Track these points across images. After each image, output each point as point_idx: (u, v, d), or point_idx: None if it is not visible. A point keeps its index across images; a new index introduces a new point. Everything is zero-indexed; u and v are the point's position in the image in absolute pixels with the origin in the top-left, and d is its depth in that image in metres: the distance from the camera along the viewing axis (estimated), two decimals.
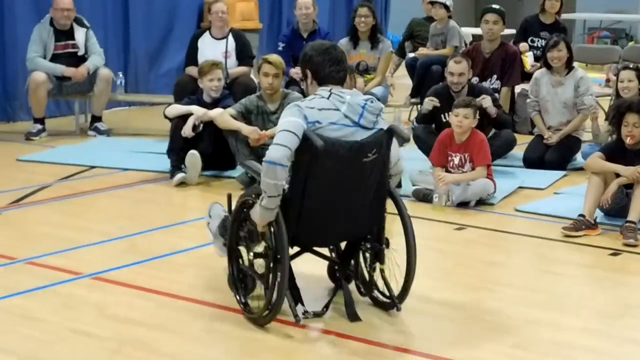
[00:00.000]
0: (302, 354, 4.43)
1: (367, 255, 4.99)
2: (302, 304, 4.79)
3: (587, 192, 6.49)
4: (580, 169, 7.84)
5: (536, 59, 10.02)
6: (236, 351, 4.48)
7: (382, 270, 4.93)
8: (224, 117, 7.64)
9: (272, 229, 4.62)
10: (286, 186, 4.62)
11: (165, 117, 8.00)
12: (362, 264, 5.06)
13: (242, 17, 11.46)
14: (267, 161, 4.51)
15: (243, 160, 7.56)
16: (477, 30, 10.78)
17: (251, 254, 4.83)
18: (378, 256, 4.94)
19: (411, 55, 11.07)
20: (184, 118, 7.81)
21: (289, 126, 4.54)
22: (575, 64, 8.81)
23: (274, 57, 7.79)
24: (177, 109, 7.96)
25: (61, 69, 9.45)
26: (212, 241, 5.50)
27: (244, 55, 9.64)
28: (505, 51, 9.37)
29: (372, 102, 4.75)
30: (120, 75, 10.63)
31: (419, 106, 9.08)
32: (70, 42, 9.75)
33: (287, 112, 4.65)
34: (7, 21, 9.92)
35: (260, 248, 4.80)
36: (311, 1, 9.89)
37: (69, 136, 9.59)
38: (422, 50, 10.76)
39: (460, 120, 7.16)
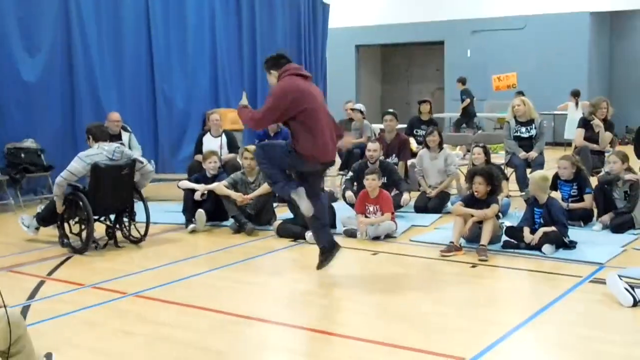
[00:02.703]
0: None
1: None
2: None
3: (454, 227, 6.52)
4: (449, 212, 7.86)
5: (419, 142, 10.11)
6: (242, 345, 4.36)
7: (134, 224, 7.01)
8: (220, 187, 7.62)
9: (84, 209, 6.49)
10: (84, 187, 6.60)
11: (179, 187, 7.96)
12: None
13: (231, 122, 11.42)
14: (56, 184, 6.51)
15: (233, 214, 7.54)
16: (381, 125, 10.88)
17: (75, 221, 6.69)
18: (132, 217, 6.98)
19: None
20: (191, 189, 7.78)
21: (73, 170, 6.47)
22: (444, 145, 8.90)
23: (252, 147, 7.82)
24: (186, 184, 7.94)
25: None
26: (26, 230, 7.14)
27: (232, 147, 9.64)
28: (399, 139, 9.44)
29: (118, 148, 6.77)
30: (152, 162, 10.50)
31: (345, 176, 9.06)
32: (119, 142, 9.66)
33: (75, 163, 6.50)
34: (78, 129, 9.77)
35: (77, 219, 6.68)
36: None
37: None
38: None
39: (370, 182, 7.20)
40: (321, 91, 5.88)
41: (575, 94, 14.73)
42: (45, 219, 7.08)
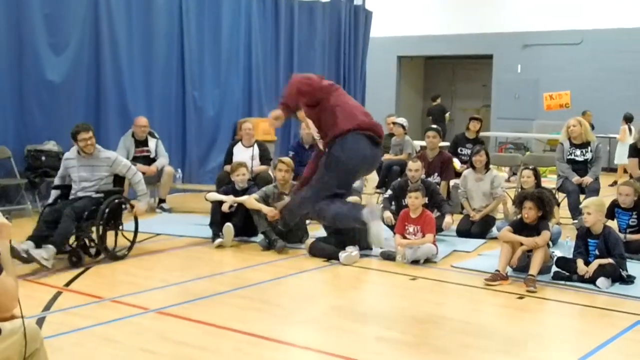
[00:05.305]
0: None
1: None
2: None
3: (500, 254, 6.41)
4: (495, 238, 7.74)
5: (463, 162, 10.04)
6: None
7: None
8: (251, 200, 7.61)
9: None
10: None
11: (206, 199, 7.98)
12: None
13: (264, 132, 11.48)
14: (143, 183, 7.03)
15: (263, 230, 7.51)
16: (423, 142, 10.80)
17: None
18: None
19: None
20: (219, 201, 7.78)
21: None
22: (491, 166, 8.80)
23: (286, 159, 7.87)
24: (214, 196, 7.94)
25: (138, 167, 9.41)
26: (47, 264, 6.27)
27: (264, 158, 9.66)
28: (442, 157, 9.38)
29: None
30: (179, 171, 10.61)
31: (383, 194, 9.02)
32: (145, 148, 9.74)
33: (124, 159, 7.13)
34: (102, 133, 9.86)
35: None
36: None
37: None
38: (386, 156, 10.78)
39: (413, 200, 7.15)
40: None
41: (628, 119, 14.54)
42: (65, 241, 6.60)
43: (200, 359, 4.30)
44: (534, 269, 6.15)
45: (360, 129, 4.79)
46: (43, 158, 9.23)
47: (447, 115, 18.58)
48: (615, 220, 7.39)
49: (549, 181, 10.54)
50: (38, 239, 6.42)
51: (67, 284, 5.98)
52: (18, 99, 9.24)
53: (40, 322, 4.87)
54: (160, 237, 8.08)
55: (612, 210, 7.35)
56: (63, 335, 4.64)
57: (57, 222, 6.52)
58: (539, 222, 6.45)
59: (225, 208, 7.73)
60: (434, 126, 9.85)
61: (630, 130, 14.33)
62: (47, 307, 5.28)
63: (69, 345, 4.49)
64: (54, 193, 7.07)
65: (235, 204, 7.74)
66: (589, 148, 8.92)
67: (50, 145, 9.36)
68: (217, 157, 11.38)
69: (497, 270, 6.28)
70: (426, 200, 7.52)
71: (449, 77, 21.89)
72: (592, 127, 14.82)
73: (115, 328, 4.85)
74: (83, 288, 5.87)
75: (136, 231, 7.14)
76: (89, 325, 4.86)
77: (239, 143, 9.75)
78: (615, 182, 12.87)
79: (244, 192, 7.91)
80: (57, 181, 7.14)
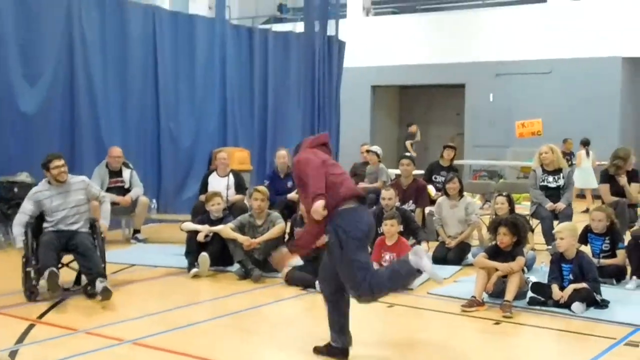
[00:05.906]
0: None
1: None
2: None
3: (476, 280, 6.45)
4: (471, 264, 7.77)
5: (438, 190, 10.11)
6: None
7: None
8: (226, 229, 7.61)
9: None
10: None
11: (182, 229, 7.96)
12: None
13: (239, 161, 11.50)
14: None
15: (239, 259, 7.50)
16: (398, 171, 10.88)
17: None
18: None
19: None
20: (194, 231, 7.76)
21: None
22: (465, 193, 8.88)
23: (262, 188, 7.86)
24: (189, 225, 7.93)
25: (113, 197, 9.36)
26: None
27: (240, 187, 9.66)
28: (417, 184, 9.45)
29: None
30: (154, 201, 10.58)
31: None
32: (119, 179, 9.69)
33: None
34: (77, 163, 9.82)
35: None
36: (286, 152, 10.01)
37: (117, 243, 9.42)
38: (360, 184, 10.83)
39: (389, 228, 7.19)
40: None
41: (585, 143, 14.83)
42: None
43: None
44: (509, 294, 6.19)
45: (352, 197, 4.78)
46: (16, 189, 9.13)
47: (407, 143, 18.80)
48: (589, 246, 7.48)
49: (523, 208, 10.64)
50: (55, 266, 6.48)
51: (41, 316, 5.91)
52: None
53: (13, 354, 4.80)
54: (135, 267, 8.03)
55: (585, 236, 7.44)
56: None
57: (60, 252, 6.63)
58: (514, 247, 6.51)
59: (200, 238, 7.71)
60: (408, 154, 9.95)
61: (588, 153, 14.59)
62: (20, 340, 5.20)
63: None
64: (22, 231, 6.61)
65: (211, 234, 7.73)
66: (561, 174, 9.05)
67: (24, 177, 9.28)
68: (192, 187, 11.35)
69: (473, 297, 6.31)
70: (401, 227, 7.56)
71: (423, 106, 22.09)
72: (573, 155, 15.20)
73: (91, 359, 4.80)
74: (57, 320, 5.80)
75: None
76: (65, 356, 4.80)
77: (214, 173, 9.76)
78: (587, 209, 13.00)
79: (220, 221, 7.89)
80: (25, 219, 6.67)
